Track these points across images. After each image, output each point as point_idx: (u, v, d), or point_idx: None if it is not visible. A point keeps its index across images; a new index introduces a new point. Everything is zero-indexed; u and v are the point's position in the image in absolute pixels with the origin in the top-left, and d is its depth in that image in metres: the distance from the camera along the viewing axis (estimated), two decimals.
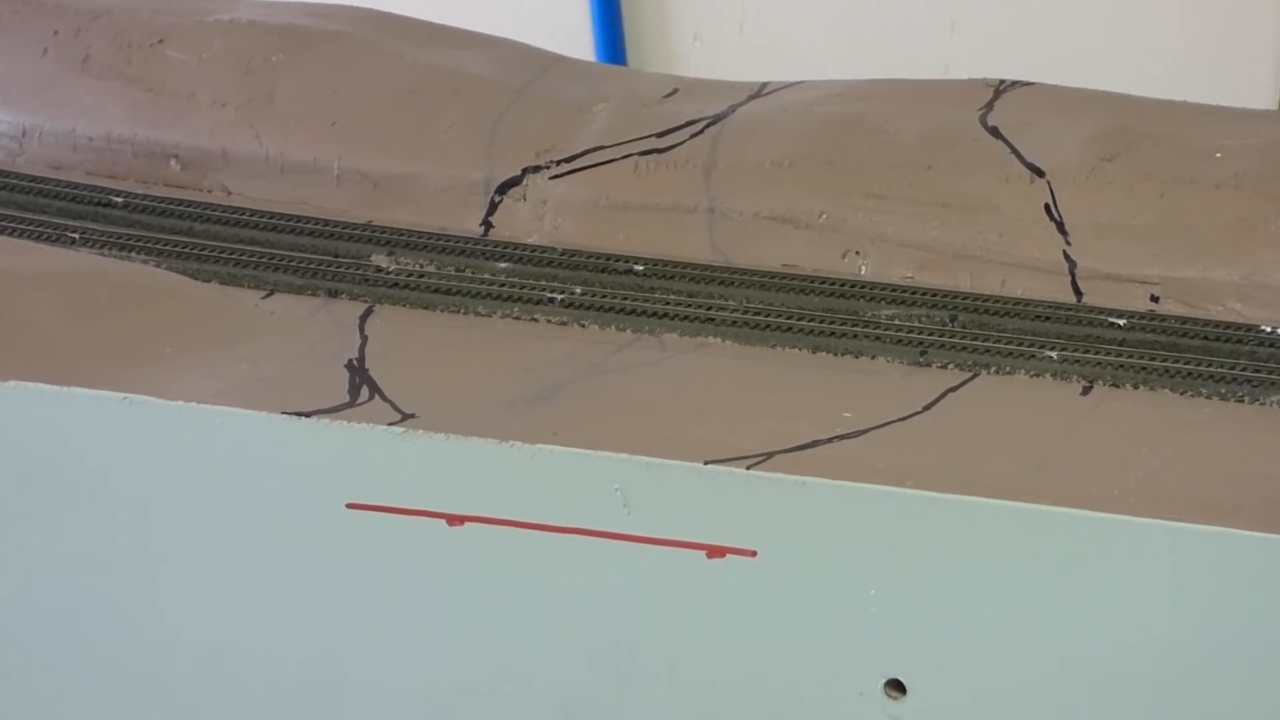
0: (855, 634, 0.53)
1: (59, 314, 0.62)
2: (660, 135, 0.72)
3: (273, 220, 0.71)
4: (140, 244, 0.69)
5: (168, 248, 0.69)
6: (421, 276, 0.66)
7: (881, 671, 0.53)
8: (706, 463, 0.53)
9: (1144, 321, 0.62)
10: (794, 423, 0.55)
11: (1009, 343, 0.61)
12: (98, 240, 0.69)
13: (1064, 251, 0.65)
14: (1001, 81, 0.73)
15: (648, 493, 0.54)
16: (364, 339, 0.62)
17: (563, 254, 0.68)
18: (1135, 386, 0.58)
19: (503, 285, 0.65)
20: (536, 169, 0.71)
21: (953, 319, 0.63)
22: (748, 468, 0.53)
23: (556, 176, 0.71)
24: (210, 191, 0.74)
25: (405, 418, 0.56)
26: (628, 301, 0.64)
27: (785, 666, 0.54)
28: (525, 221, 0.70)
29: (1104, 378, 0.59)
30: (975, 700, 0.52)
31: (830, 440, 0.54)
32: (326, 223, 0.70)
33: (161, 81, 0.78)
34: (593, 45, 1.74)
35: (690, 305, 0.64)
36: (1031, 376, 0.59)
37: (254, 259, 0.68)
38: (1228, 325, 0.61)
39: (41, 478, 0.59)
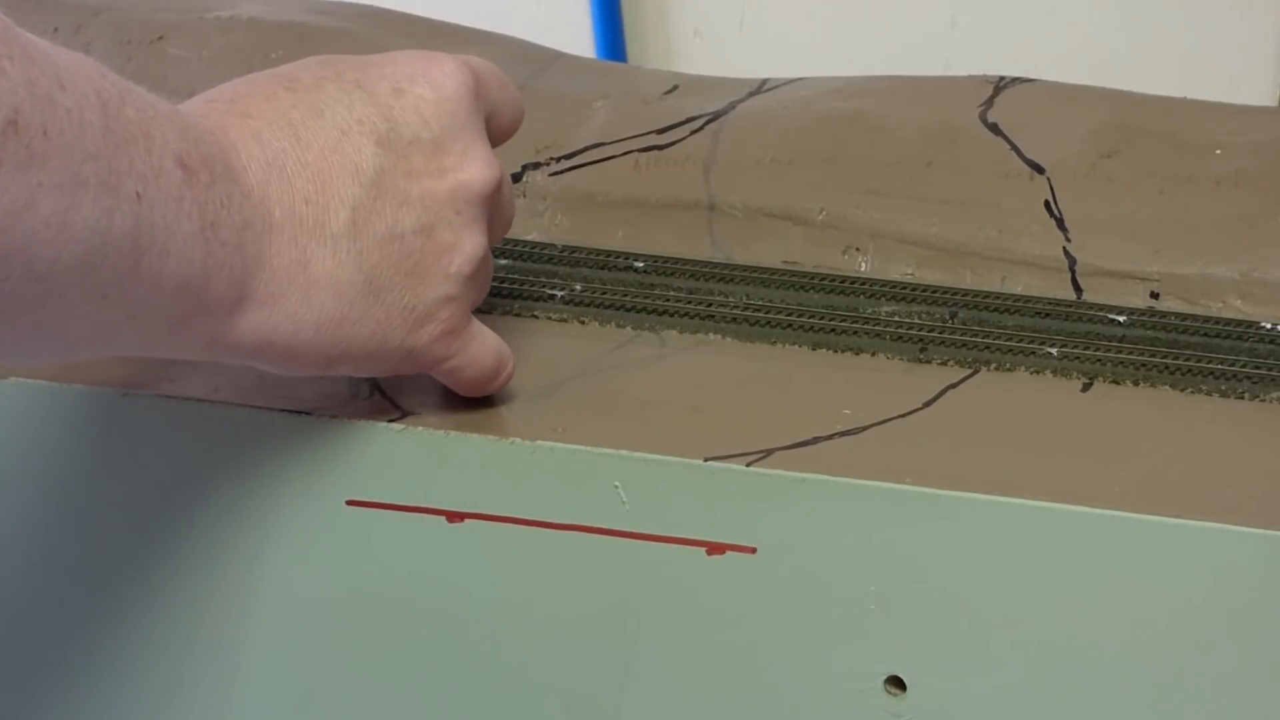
0: (855, 631, 0.53)
1: None
2: (660, 132, 0.72)
3: None
4: None
5: None
6: None
7: (881, 668, 0.53)
8: (706, 459, 0.53)
9: (1144, 318, 0.62)
10: (794, 419, 0.55)
11: (1009, 339, 0.61)
12: None
13: (1064, 248, 0.65)
14: (1001, 78, 0.73)
15: (647, 489, 0.54)
16: None
17: (562, 250, 0.68)
18: (1135, 383, 0.58)
19: (502, 282, 0.65)
20: (536, 166, 0.71)
21: (952, 315, 0.62)
22: (747, 464, 0.53)
23: (556, 173, 0.71)
24: None
25: (405, 414, 0.56)
26: (628, 298, 0.64)
27: (785, 663, 0.54)
28: (525, 218, 0.70)
29: (1104, 374, 0.59)
30: (975, 697, 0.52)
31: (830, 437, 0.54)
32: None
33: (162, 78, 0.78)
34: (592, 41, 1.74)
35: (690, 302, 0.64)
36: (1031, 373, 0.59)
37: None
38: (1228, 322, 0.61)
39: (40, 474, 0.59)
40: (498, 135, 0.56)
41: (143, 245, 0.44)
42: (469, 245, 0.53)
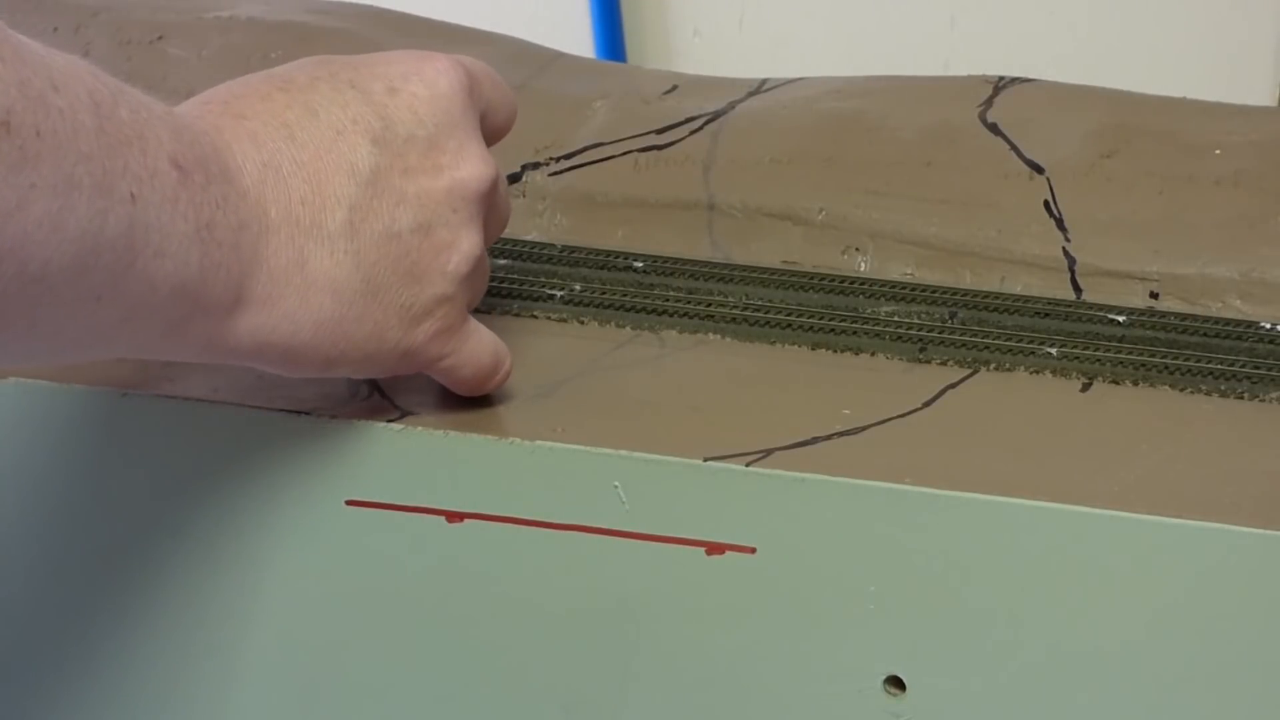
0: (854, 631, 0.53)
1: None
2: (660, 132, 0.72)
3: None
4: None
5: None
6: None
7: (881, 668, 0.53)
8: (705, 459, 0.53)
9: (1143, 318, 0.62)
10: (793, 419, 0.55)
11: (1008, 339, 0.61)
12: None
13: (1063, 248, 0.65)
14: (1001, 78, 0.73)
15: (647, 489, 0.54)
16: None
17: (562, 250, 0.68)
18: (1135, 383, 0.58)
19: (501, 282, 0.65)
20: (535, 166, 0.71)
21: (952, 315, 0.63)
22: (747, 464, 0.53)
23: (556, 173, 0.71)
24: None
25: (404, 414, 0.56)
26: (627, 298, 0.64)
27: (784, 663, 0.54)
28: (524, 218, 0.70)
29: (1103, 374, 0.59)
30: (975, 696, 0.52)
31: (829, 437, 0.54)
32: None
33: (161, 78, 0.78)
34: (592, 41, 1.74)
35: (690, 302, 0.64)
36: (1031, 373, 0.59)
37: None
38: (1227, 322, 0.61)
39: (40, 474, 0.59)
40: (492, 133, 0.56)
41: (137, 246, 0.44)
42: (466, 244, 0.53)
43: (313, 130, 0.50)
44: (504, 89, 0.57)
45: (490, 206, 0.55)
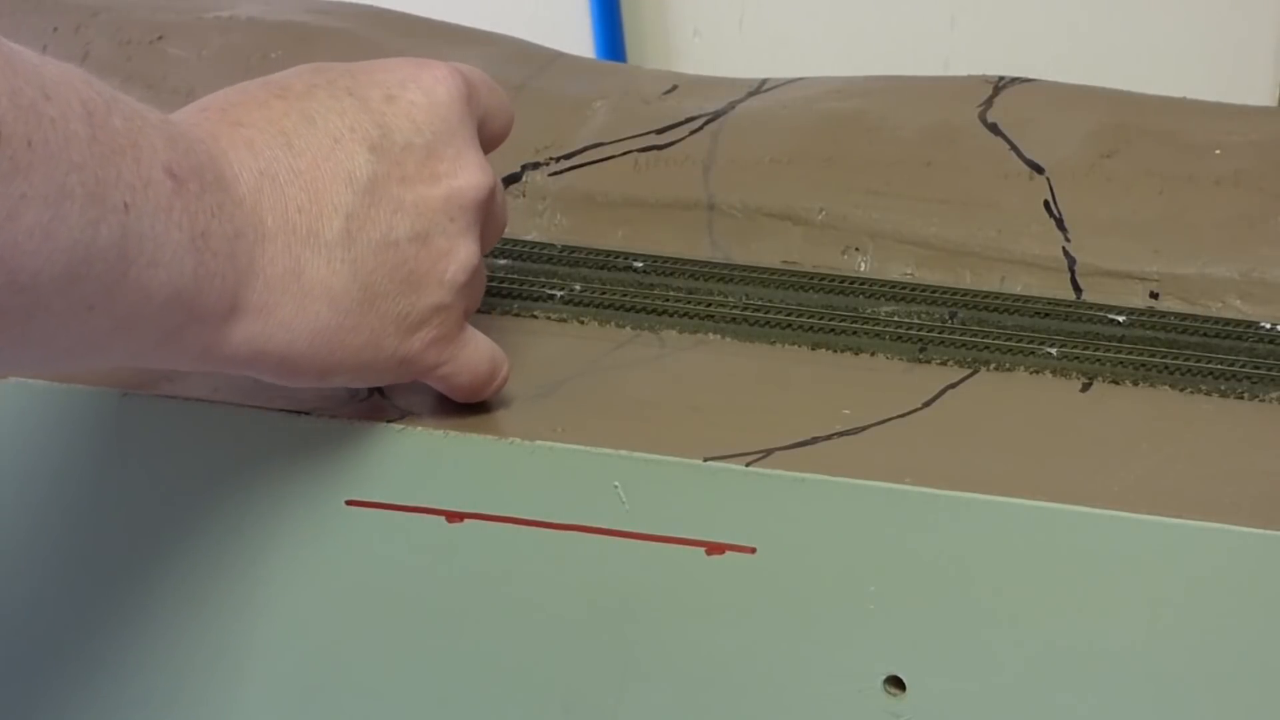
0: (854, 631, 0.53)
1: None
2: (660, 132, 0.72)
3: None
4: None
5: None
6: None
7: (881, 668, 0.53)
8: (706, 459, 0.53)
9: (1143, 318, 0.62)
10: (793, 419, 0.55)
11: (1008, 339, 0.61)
12: None
13: (1063, 248, 0.65)
14: (1001, 78, 0.73)
15: (647, 489, 0.54)
16: None
17: (562, 250, 0.68)
18: (1135, 383, 0.58)
19: (501, 282, 0.65)
20: (535, 166, 0.71)
21: (952, 315, 0.63)
22: (747, 464, 0.53)
23: (556, 173, 0.71)
24: None
25: (404, 414, 0.56)
26: (627, 298, 0.64)
27: (784, 663, 0.54)
28: (524, 218, 0.70)
29: (1103, 374, 0.59)
30: (975, 696, 0.52)
31: (829, 437, 0.54)
32: None
33: (161, 78, 0.78)
34: (592, 41, 1.74)
35: (690, 302, 0.64)
36: (1031, 373, 0.59)
37: None
38: (1227, 322, 0.61)
39: (40, 475, 0.59)
40: (489, 141, 0.56)
41: (131, 256, 0.44)
42: (463, 252, 0.53)
43: (310, 138, 0.50)
44: (501, 96, 0.57)
45: (487, 214, 0.55)
